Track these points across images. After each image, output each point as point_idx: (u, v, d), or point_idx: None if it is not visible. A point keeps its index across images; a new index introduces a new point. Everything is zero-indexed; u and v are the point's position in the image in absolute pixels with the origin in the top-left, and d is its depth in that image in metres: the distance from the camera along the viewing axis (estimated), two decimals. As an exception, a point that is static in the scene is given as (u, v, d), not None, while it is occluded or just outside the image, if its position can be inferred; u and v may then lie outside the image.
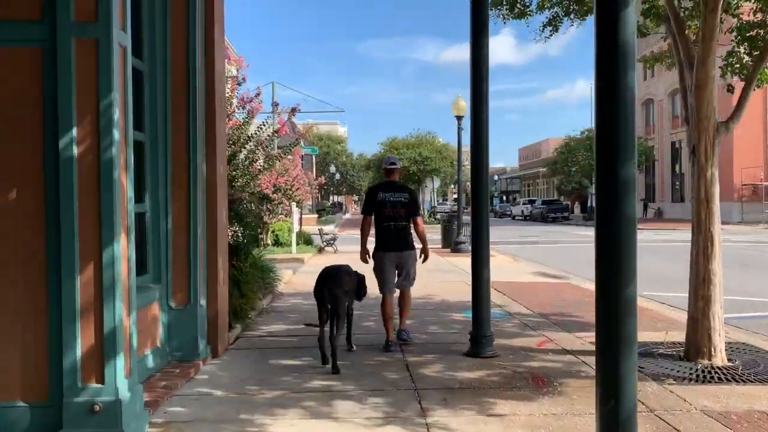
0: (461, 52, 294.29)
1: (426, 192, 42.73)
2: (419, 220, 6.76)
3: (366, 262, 6.78)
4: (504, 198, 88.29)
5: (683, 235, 29.99)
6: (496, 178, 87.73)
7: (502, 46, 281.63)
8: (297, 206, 19.72)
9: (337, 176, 67.90)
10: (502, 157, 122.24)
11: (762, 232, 30.63)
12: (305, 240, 19.99)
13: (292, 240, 17.75)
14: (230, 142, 8.78)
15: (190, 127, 5.90)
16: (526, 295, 10.09)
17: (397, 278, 6.62)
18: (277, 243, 18.81)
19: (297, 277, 12.99)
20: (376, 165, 46.62)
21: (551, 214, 50.98)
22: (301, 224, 23.56)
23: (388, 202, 6.49)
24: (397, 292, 6.77)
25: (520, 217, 57.12)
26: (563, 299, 9.86)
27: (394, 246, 6.51)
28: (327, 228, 36.59)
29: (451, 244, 20.16)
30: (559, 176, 49.72)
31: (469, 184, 6.36)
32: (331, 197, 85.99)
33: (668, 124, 49.24)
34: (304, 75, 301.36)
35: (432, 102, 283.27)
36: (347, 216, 71.20)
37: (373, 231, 6.76)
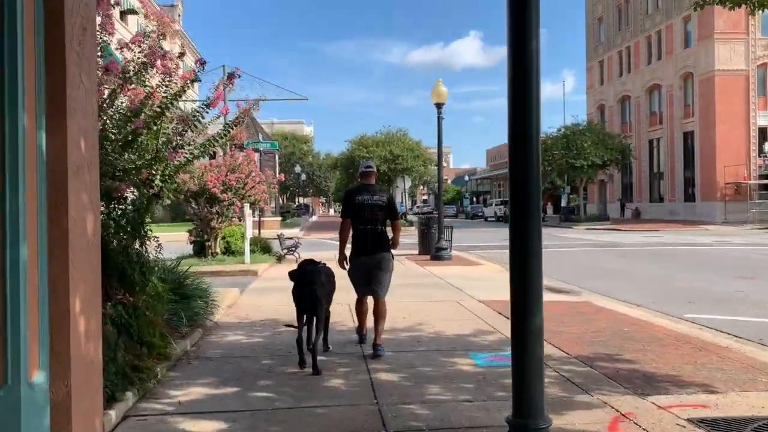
0: (427, 54, 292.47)
1: (397, 193, 40.12)
2: (398, 224, 6.60)
3: (344, 268, 6.46)
4: (474, 199, 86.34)
5: (676, 237, 27.43)
6: (466, 178, 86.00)
7: (469, 48, 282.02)
8: (251, 208, 16.99)
9: (303, 177, 64.98)
10: (469, 159, 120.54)
11: (756, 234, 28.84)
12: (262, 247, 17.23)
13: (245, 248, 15.01)
14: (130, 115, 6.09)
15: (5, 65, 3.24)
16: (546, 323, 7.60)
17: (371, 283, 6.30)
18: (228, 251, 16.05)
19: (245, 297, 10.30)
20: (344, 164, 43.88)
21: (525, 215, 49.04)
22: (260, 228, 20.80)
23: (366, 205, 6.24)
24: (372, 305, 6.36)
25: (493, 218, 55.16)
26: (595, 329, 7.40)
27: (369, 250, 6.24)
28: (291, 232, 33.77)
29: (430, 250, 17.67)
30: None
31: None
32: (297, 199, 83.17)
33: (646, 122, 47.73)
34: (271, 76, 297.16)
35: (400, 104, 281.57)
36: (314, 218, 68.29)
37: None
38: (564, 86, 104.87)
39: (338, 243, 6.47)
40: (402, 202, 40.66)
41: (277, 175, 39.37)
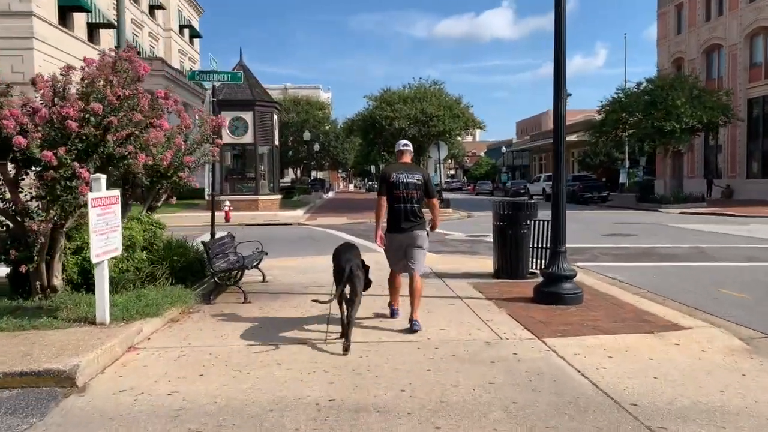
0: (456, 26, 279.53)
1: (429, 164, 30.89)
2: (435, 201, 6.63)
3: (380, 245, 6.48)
4: (510, 174, 76.66)
5: None
6: (503, 150, 76.27)
7: (500, 19, 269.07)
8: (168, 186, 8.14)
9: (316, 147, 55.87)
10: (495, 133, 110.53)
11: None
12: (181, 266, 8.32)
13: (100, 283, 6.15)
14: None
15: None
16: None
17: (406, 260, 6.40)
18: (86, 282, 7.22)
19: None
20: (362, 127, 34.74)
21: (585, 193, 39.37)
22: (213, 217, 11.86)
23: (401, 183, 6.31)
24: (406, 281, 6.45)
25: (540, 196, 45.73)
26: None
27: (404, 228, 6.30)
28: (290, 215, 24.53)
29: (521, 272, 8.72)
30: (605, 141, 37.80)
31: None
32: (312, 173, 74.37)
33: (744, 76, 37.68)
34: (293, 49, 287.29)
35: (424, 76, 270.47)
36: (329, 195, 59.09)
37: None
38: (625, 39, 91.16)
39: (374, 222, 6.53)
40: (437, 176, 30.94)
41: (275, 139, 30.25)
